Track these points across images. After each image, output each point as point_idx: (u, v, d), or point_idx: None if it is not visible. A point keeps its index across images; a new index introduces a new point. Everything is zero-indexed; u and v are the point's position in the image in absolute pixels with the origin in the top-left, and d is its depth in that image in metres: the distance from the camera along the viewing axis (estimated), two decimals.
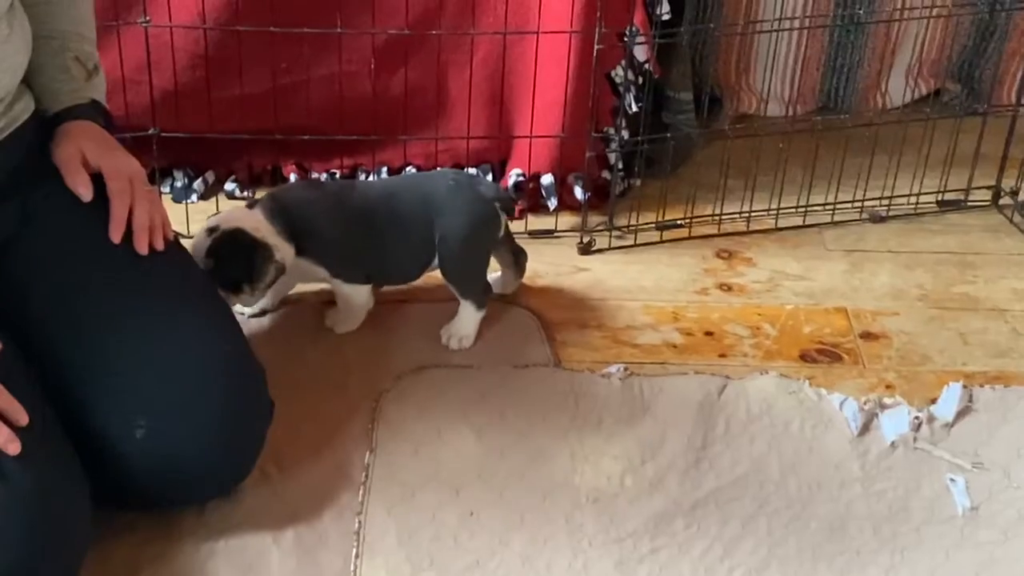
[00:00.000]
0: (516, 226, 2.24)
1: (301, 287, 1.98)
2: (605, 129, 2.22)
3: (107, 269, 1.55)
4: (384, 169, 2.28)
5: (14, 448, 1.31)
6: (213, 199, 2.23)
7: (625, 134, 2.21)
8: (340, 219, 1.83)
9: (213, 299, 1.64)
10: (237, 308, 1.79)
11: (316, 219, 1.81)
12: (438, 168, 2.27)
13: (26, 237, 1.55)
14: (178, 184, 2.27)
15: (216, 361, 1.52)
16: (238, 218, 1.76)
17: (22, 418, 1.34)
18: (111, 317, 1.51)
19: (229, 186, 2.29)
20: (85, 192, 1.56)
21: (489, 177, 2.29)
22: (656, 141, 2.21)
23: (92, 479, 1.42)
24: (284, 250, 1.77)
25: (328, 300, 1.94)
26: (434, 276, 1.94)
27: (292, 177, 2.28)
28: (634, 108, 2.19)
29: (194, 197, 2.27)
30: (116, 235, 1.55)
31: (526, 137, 2.19)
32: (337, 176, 2.29)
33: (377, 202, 1.86)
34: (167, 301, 1.56)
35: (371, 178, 2.28)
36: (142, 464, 1.45)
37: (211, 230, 1.74)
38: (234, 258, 1.73)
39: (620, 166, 2.26)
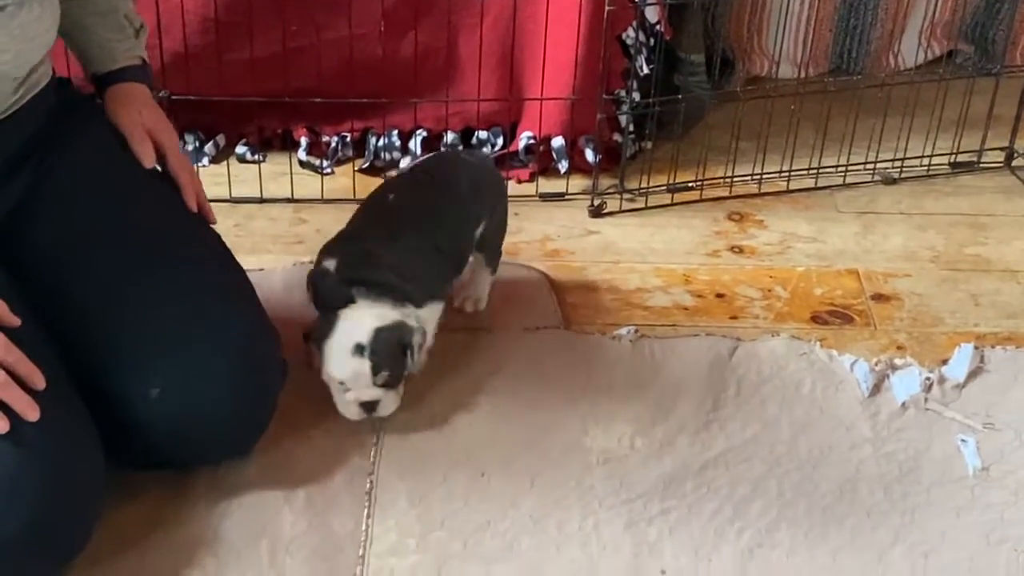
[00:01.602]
0: (527, 189, 2.24)
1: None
2: (616, 91, 2.21)
3: (124, 232, 1.56)
4: (395, 132, 2.28)
5: (34, 415, 1.32)
6: (224, 162, 2.23)
7: (636, 96, 2.20)
8: (423, 260, 1.72)
9: (229, 262, 1.65)
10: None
11: (411, 275, 1.68)
12: (447, 131, 2.27)
13: (41, 200, 1.55)
14: (189, 147, 2.27)
15: (232, 324, 1.53)
16: (359, 323, 1.62)
17: (39, 382, 1.35)
18: (128, 279, 1.52)
19: (240, 149, 2.29)
20: (149, 162, 1.62)
21: (500, 140, 2.29)
22: (667, 103, 2.20)
23: (106, 440, 1.43)
24: (409, 313, 1.66)
25: None
26: None
27: (303, 141, 2.28)
28: (645, 70, 2.18)
29: (205, 160, 2.27)
30: (194, 204, 1.64)
31: (537, 99, 2.18)
32: (348, 139, 2.29)
33: (430, 227, 1.75)
34: (184, 264, 1.56)
35: (381, 141, 2.28)
36: (157, 424, 1.46)
37: (359, 348, 1.60)
38: (393, 355, 1.62)
39: (631, 128, 2.25)
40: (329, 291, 1.66)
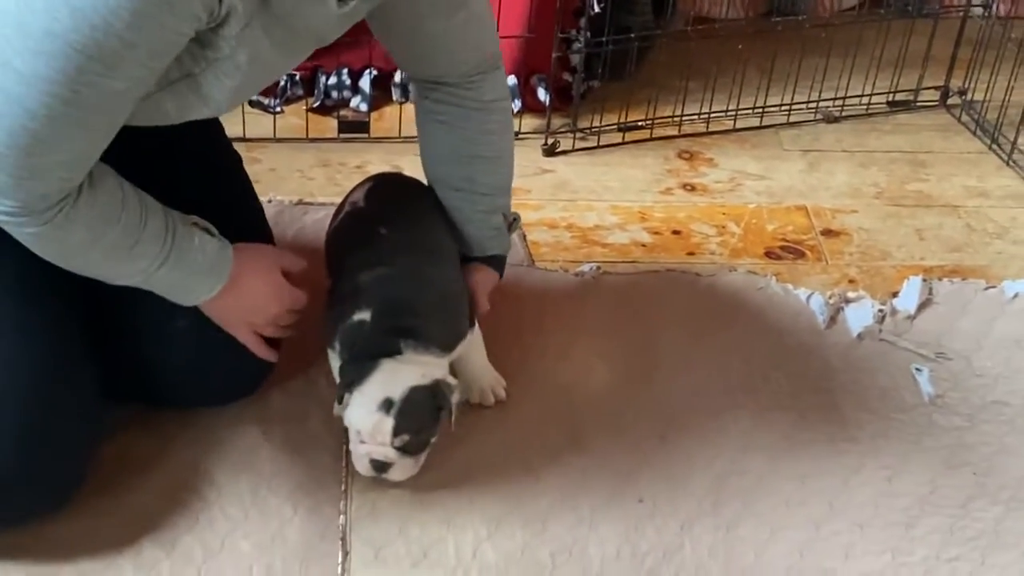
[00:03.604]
0: None
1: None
2: (568, 31, 2.22)
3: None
4: (345, 71, 2.26)
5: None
6: None
7: (587, 35, 2.21)
8: (449, 300, 1.57)
9: (253, 208, 1.66)
10: None
11: (444, 319, 1.54)
12: (399, 71, 2.26)
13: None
14: None
15: None
16: (396, 376, 1.46)
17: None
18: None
19: None
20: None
21: None
22: (620, 42, 2.22)
23: (114, 374, 1.45)
24: (445, 362, 1.52)
25: None
26: None
27: None
28: (596, 9, 2.19)
29: None
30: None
31: None
32: (296, 77, 2.27)
33: (439, 259, 1.61)
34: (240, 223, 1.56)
35: (331, 80, 2.27)
36: (175, 358, 1.49)
37: (387, 404, 1.44)
38: (422, 421, 1.47)
39: (581, 68, 2.26)
40: (372, 341, 1.48)
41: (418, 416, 1.45)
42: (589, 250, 1.97)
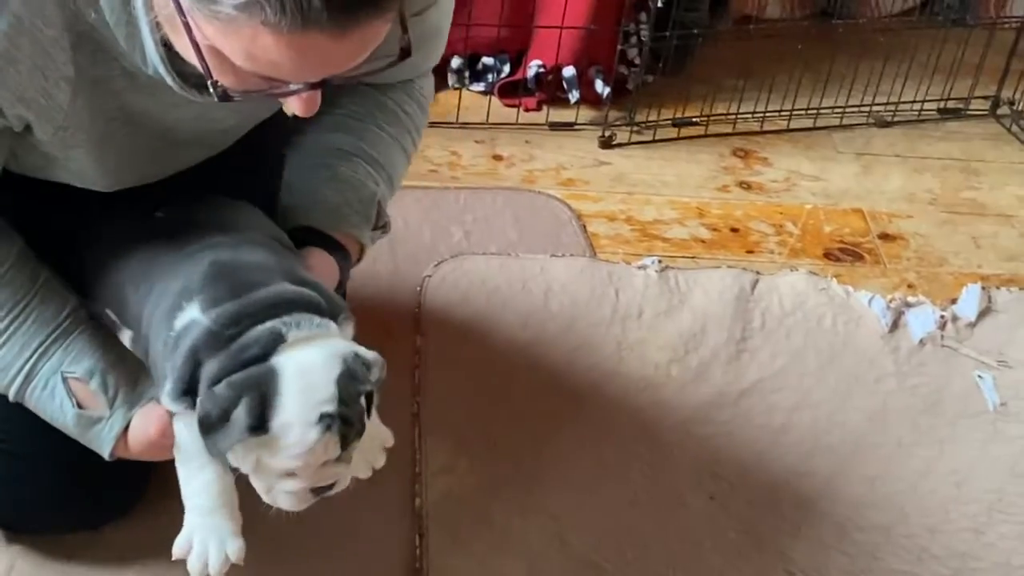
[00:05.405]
0: (536, 117, 2.24)
1: None
2: (627, 24, 2.21)
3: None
4: None
5: None
6: None
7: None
8: (294, 256, 1.22)
9: None
10: None
11: (303, 280, 1.13)
12: (454, 56, 2.25)
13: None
14: None
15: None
16: (312, 373, 1.04)
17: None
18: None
19: None
20: None
21: (507, 68, 2.28)
22: (684, 37, 2.21)
23: None
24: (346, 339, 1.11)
25: None
26: None
27: None
28: (660, 3, 2.18)
29: None
30: None
31: (555, 28, 2.17)
32: None
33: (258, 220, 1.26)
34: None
35: None
36: None
37: (326, 420, 1.03)
38: (361, 410, 1.07)
39: (638, 61, 2.26)
40: (235, 343, 1.04)
41: (357, 410, 1.05)
42: (649, 244, 1.97)
